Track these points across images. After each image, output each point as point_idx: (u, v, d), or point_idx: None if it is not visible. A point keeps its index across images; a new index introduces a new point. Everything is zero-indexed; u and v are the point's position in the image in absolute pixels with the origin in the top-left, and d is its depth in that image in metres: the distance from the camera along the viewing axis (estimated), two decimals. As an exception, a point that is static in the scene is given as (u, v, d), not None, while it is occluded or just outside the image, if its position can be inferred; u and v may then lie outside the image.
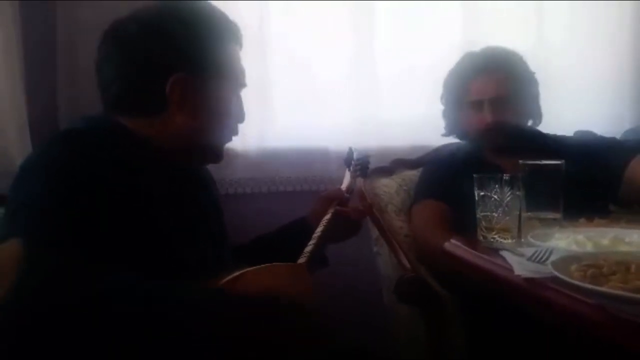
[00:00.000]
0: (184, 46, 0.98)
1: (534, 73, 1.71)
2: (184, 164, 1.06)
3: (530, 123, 1.72)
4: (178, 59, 0.97)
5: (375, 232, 1.71)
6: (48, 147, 0.91)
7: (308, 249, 1.09)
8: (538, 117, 1.73)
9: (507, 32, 2.18)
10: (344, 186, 1.33)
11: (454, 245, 1.27)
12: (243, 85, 1.10)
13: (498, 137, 1.63)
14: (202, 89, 1.00)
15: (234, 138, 1.90)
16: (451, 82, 1.73)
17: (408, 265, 1.53)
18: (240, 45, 1.09)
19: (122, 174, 0.87)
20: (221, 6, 1.80)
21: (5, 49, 1.57)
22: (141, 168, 0.93)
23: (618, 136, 2.26)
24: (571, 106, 2.22)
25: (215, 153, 1.09)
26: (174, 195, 0.99)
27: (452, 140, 1.87)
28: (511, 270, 1.02)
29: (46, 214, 0.78)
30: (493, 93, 1.62)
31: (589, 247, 1.06)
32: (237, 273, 0.87)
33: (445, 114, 1.78)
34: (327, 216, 1.21)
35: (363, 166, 1.35)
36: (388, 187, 1.80)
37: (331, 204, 1.25)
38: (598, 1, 2.31)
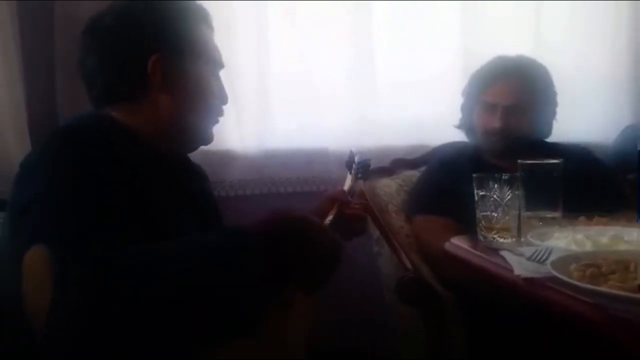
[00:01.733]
0: (159, 29, 1.03)
1: (556, 92, 1.73)
2: (173, 153, 1.09)
3: (539, 134, 1.74)
4: (155, 41, 1.02)
5: (376, 233, 1.71)
6: (49, 144, 0.92)
7: None
8: (547, 133, 1.75)
9: (505, 35, 2.19)
10: (345, 188, 1.34)
11: (454, 246, 1.27)
12: (220, 64, 1.14)
13: (501, 142, 1.66)
14: (181, 68, 1.04)
15: (233, 139, 1.94)
16: (475, 79, 1.74)
17: (409, 266, 1.53)
18: (212, 28, 1.13)
19: (120, 167, 0.88)
20: (220, 9, 1.82)
21: (3, 50, 1.57)
22: (134, 159, 0.94)
23: (617, 134, 2.27)
24: (571, 107, 2.22)
25: (202, 135, 1.11)
26: (167, 184, 1.01)
27: (452, 139, 1.88)
28: (511, 270, 1.02)
29: (62, 208, 0.79)
30: (509, 100, 1.64)
31: (588, 246, 1.06)
32: None
33: (463, 108, 1.79)
34: (330, 217, 1.21)
35: (364, 169, 1.36)
36: (388, 187, 1.80)
37: (334, 205, 1.25)
38: (596, 1, 2.31)
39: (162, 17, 1.04)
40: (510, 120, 1.64)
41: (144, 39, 1.02)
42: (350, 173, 1.35)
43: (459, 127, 1.82)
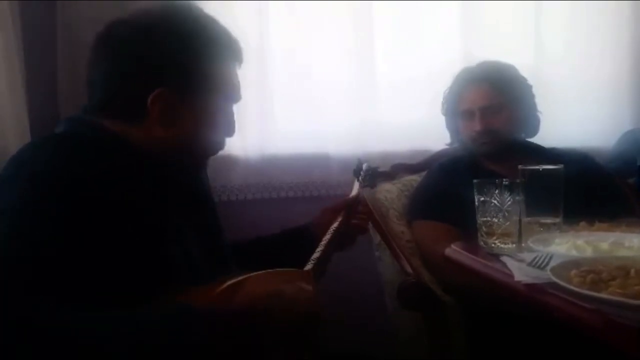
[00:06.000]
0: (174, 59, 0.96)
1: (529, 85, 1.77)
2: (166, 166, 1.04)
3: (524, 130, 1.77)
4: (165, 71, 0.95)
5: (377, 238, 1.71)
6: (26, 154, 0.90)
7: (315, 255, 1.09)
8: (533, 124, 1.78)
9: (506, 39, 2.21)
10: (351, 196, 1.34)
11: (455, 251, 1.27)
12: (236, 99, 1.07)
13: (489, 145, 1.69)
14: (187, 104, 0.97)
15: (234, 144, 1.94)
16: (448, 94, 1.80)
17: (410, 270, 1.53)
18: (240, 62, 1.06)
19: (104, 178, 0.85)
20: (220, 13, 1.82)
21: (5, 50, 1.57)
22: (123, 170, 0.91)
23: (617, 138, 2.27)
24: (571, 111, 2.23)
25: (196, 163, 1.07)
26: (160, 195, 0.96)
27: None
28: (511, 276, 1.02)
29: (16, 225, 0.77)
30: (483, 102, 1.69)
31: (589, 252, 1.06)
32: (238, 278, 0.87)
33: (447, 126, 1.84)
34: (335, 224, 1.22)
35: (372, 176, 1.37)
36: (389, 192, 1.80)
37: (337, 215, 1.26)
38: (597, 1, 2.32)
39: (183, 44, 0.96)
40: (489, 120, 1.68)
41: (154, 66, 0.95)
42: (358, 181, 1.36)
43: (450, 144, 1.87)
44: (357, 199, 1.33)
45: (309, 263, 1.07)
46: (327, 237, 1.17)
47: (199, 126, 1.00)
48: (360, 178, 1.37)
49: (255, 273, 0.89)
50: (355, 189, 1.36)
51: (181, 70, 0.96)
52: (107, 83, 0.97)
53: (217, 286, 0.85)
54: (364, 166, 1.39)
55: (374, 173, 1.39)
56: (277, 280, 0.94)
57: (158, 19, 0.98)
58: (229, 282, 0.86)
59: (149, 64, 0.95)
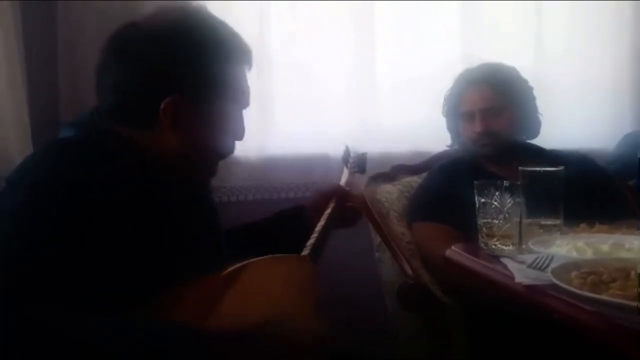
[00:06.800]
0: (186, 66, 0.96)
1: (530, 87, 1.77)
2: (177, 178, 1.03)
3: (525, 132, 1.77)
4: (177, 78, 0.95)
5: (377, 239, 1.71)
6: (30, 163, 0.91)
7: (310, 242, 1.10)
8: (534, 126, 1.78)
9: (507, 40, 2.22)
10: (342, 183, 1.35)
11: (455, 253, 1.28)
12: (246, 104, 1.07)
13: (489, 146, 1.69)
14: (198, 110, 0.98)
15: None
16: (449, 95, 1.80)
17: (410, 272, 1.53)
18: (250, 66, 1.06)
19: (106, 180, 0.85)
20: (220, 15, 1.82)
21: (6, 50, 1.57)
22: (126, 171, 0.91)
23: (618, 140, 2.28)
24: (572, 113, 2.23)
25: (207, 169, 1.06)
26: (162, 197, 0.96)
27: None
28: (512, 277, 1.02)
29: (17, 226, 0.78)
30: (483, 104, 1.69)
31: (589, 254, 1.06)
32: (239, 264, 0.88)
33: (448, 127, 1.84)
34: (328, 210, 1.22)
35: (360, 163, 1.37)
36: (389, 194, 1.80)
37: (331, 199, 1.26)
38: (597, 2, 2.32)
39: (195, 50, 0.96)
40: (490, 122, 1.68)
41: (167, 73, 0.95)
42: (347, 168, 1.36)
43: (451, 146, 1.86)
44: (348, 185, 1.33)
45: (305, 249, 1.07)
46: (321, 223, 1.17)
47: (210, 132, 1.01)
48: (348, 164, 1.38)
49: (254, 259, 0.90)
50: (344, 176, 1.36)
51: (194, 76, 0.96)
52: (118, 88, 0.97)
53: (218, 274, 0.87)
54: (352, 152, 1.39)
55: (362, 158, 1.39)
56: (274, 267, 0.95)
57: (170, 24, 0.97)
58: (229, 270, 0.87)
59: (162, 70, 0.95)
